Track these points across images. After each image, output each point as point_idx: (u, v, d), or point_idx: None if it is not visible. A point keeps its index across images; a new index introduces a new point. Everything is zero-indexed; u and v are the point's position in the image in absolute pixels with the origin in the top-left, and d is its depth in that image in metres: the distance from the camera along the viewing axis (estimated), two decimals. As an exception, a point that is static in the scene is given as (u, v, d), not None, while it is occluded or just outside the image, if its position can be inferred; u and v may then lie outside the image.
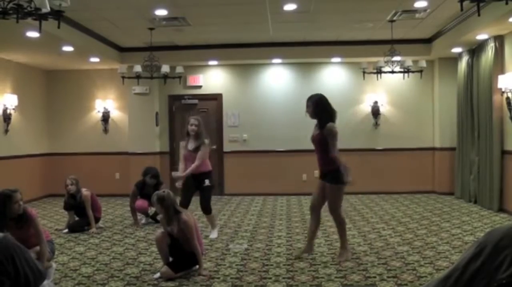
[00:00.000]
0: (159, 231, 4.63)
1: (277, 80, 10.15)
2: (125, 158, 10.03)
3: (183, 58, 9.53)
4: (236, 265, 4.82)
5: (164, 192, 4.62)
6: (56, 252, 5.11)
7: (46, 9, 3.62)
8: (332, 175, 4.84)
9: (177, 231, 4.48)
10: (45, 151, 10.28)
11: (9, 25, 4.76)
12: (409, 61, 8.01)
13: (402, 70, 8.09)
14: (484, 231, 6.09)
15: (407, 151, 9.93)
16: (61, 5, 3.79)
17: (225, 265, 4.83)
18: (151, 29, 7.91)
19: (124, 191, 9.23)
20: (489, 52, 7.62)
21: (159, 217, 4.66)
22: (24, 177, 9.15)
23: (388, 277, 4.32)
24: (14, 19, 3.65)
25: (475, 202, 8.32)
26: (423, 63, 8.20)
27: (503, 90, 7.27)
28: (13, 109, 8.86)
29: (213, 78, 10.24)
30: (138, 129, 9.95)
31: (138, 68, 8.18)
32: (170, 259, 4.53)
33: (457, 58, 9.09)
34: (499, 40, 7.45)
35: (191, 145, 5.96)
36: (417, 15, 7.41)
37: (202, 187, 5.95)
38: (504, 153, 7.54)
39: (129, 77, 8.44)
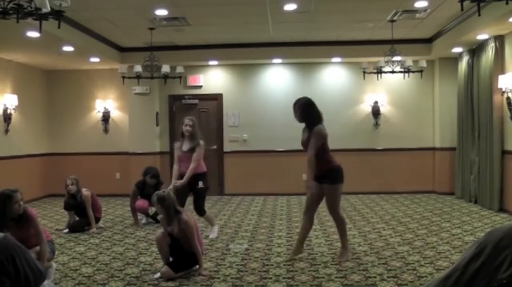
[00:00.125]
0: (160, 231, 4.63)
1: (278, 80, 10.15)
2: (125, 158, 10.04)
3: (183, 58, 9.53)
4: (237, 265, 4.82)
5: (164, 192, 4.62)
6: (57, 252, 5.11)
7: (47, 9, 3.62)
8: (331, 175, 4.84)
9: (177, 231, 4.48)
10: (45, 151, 10.28)
11: (9, 25, 4.76)
12: (409, 61, 8.01)
13: (402, 70, 8.08)
14: (484, 231, 6.09)
15: (408, 151, 9.93)
16: (62, 5, 3.79)
17: (225, 265, 4.83)
18: (152, 29, 7.91)
19: (124, 191, 9.23)
20: (490, 52, 7.62)
21: (159, 217, 4.66)
22: (24, 177, 9.15)
23: (388, 277, 4.32)
24: (14, 19, 3.65)
25: (476, 202, 8.32)
26: (423, 63, 8.20)
27: (503, 90, 7.27)
28: (13, 109, 8.87)
29: (213, 78, 10.25)
30: (139, 129, 9.95)
31: (138, 68, 8.18)
32: (171, 259, 4.53)
33: (457, 58, 9.09)
34: (500, 40, 7.45)
35: (185, 146, 5.87)
36: (417, 15, 7.41)
37: (196, 188, 5.88)
38: (504, 152, 7.54)
39: (129, 77, 8.44)
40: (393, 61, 7.89)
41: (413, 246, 5.46)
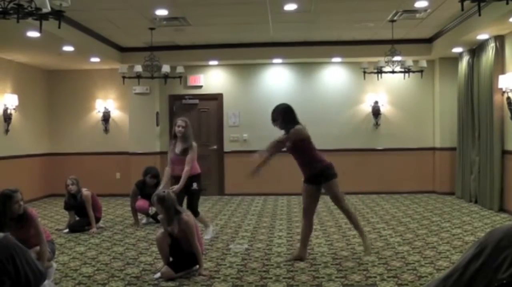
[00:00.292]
0: (160, 231, 4.63)
1: (278, 80, 10.15)
2: (125, 157, 10.04)
3: (183, 58, 9.53)
4: (237, 265, 4.82)
5: (164, 192, 4.62)
6: (57, 252, 5.11)
7: (47, 9, 3.62)
8: (324, 174, 4.85)
9: (177, 231, 4.48)
10: (45, 150, 10.28)
11: (9, 25, 4.76)
12: (409, 61, 8.01)
13: (402, 70, 8.08)
14: (484, 231, 6.09)
15: (408, 151, 9.93)
16: (62, 5, 3.79)
17: (225, 265, 4.83)
18: (152, 29, 7.91)
19: (124, 191, 9.23)
20: (490, 52, 7.61)
21: (159, 217, 4.66)
22: (25, 177, 9.15)
23: (389, 277, 4.32)
24: (15, 19, 3.65)
25: (476, 202, 8.32)
26: (423, 63, 8.20)
27: (503, 90, 7.27)
28: (14, 109, 8.87)
29: (213, 78, 10.25)
30: (139, 129, 9.95)
31: (138, 68, 8.19)
32: (171, 259, 4.53)
33: (457, 58, 9.09)
34: (500, 40, 7.45)
35: (178, 148, 5.80)
36: (417, 15, 7.41)
37: (190, 190, 5.83)
38: (504, 152, 7.53)
39: (129, 77, 8.44)
40: (393, 61, 7.89)
41: (413, 246, 5.46)
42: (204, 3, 6.67)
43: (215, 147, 10.13)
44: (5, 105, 8.69)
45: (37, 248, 4.18)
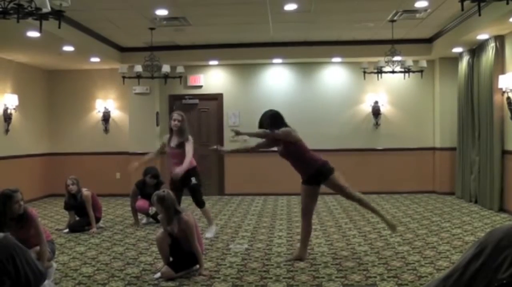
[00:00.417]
0: (160, 231, 4.63)
1: (278, 80, 10.15)
2: (125, 157, 10.02)
3: (183, 58, 9.53)
4: (237, 265, 4.82)
5: (164, 192, 4.62)
6: (57, 252, 5.11)
7: (47, 9, 3.62)
8: (322, 172, 4.84)
9: (177, 231, 4.48)
10: (45, 150, 10.28)
11: (9, 25, 4.76)
12: (409, 61, 8.01)
13: (402, 70, 8.08)
14: (484, 231, 6.09)
15: (408, 151, 9.93)
16: (62, 5, 3.79)
17: (225, 265, 4.83)
18: (152, 29, 7.91)
19: (124, 191, 9.22)
20: (490, 52, 7.61)
21: (159, 217, 4.66)
22: (25, 177, 9.15)
23: (389, 277, 4.32)
24: (15, 19, 3.65)
25: (476, 202, 8.32)
26: (423, 63, 8.20)
27: (503, 90, 7.27)
28: (14, 109, 8.87)
29: (213, 78, 10.25)
30: (139, 129, 9.95)
31: (138, 68, 8.19)
32: (171, 259, 4.53)
33: (457, 58, 9.09)
34: (500, 40, 7.45)
35: (174, 142, 5.82)
36: (417, 15, 7.41)
37: (190, 186, 5.84)
38: (504, 152, 7.53)
39: (129, 77, 8.45)
40: (393, 61, 7.89)
41: (413, 246, 5.46)
42: (204, 3, 6.67)
43: (215, 147, 10.11)
44: (5, 105, 8.69)
45: (37, 248, 4.18)
